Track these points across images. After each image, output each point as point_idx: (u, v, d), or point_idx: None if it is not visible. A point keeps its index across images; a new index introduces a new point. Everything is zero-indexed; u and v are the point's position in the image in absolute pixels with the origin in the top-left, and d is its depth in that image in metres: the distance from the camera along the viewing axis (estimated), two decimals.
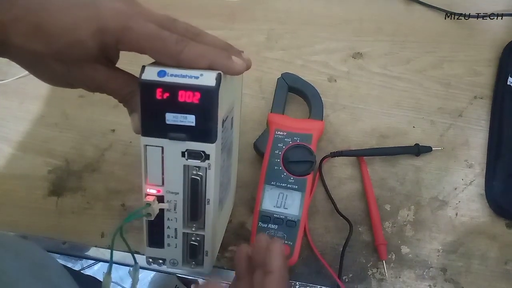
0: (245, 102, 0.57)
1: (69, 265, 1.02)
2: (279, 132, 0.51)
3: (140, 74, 0.31)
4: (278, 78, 0.53)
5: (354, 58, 0.59)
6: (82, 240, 0.52)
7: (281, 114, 0.53)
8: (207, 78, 0.31)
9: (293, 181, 0.49)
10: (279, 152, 0.50)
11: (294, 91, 0.54)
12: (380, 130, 0.55)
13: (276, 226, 0.48)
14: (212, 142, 0.32)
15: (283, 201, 0.49)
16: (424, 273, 0.50)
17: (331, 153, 0.53)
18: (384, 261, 0.49)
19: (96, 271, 1.07)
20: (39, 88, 0.60)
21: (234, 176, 0.49)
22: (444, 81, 0.58)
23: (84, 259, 0.96)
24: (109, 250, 0.50)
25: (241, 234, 0.51)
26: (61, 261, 0.87)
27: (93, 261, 0.99)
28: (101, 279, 0.37)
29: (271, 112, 0.52)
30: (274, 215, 0.48)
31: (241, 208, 0.52)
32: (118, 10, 0.31)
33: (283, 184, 0.49)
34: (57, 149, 0.57)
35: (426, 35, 0.60)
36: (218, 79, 0.31)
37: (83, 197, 0.54)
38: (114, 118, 0.58)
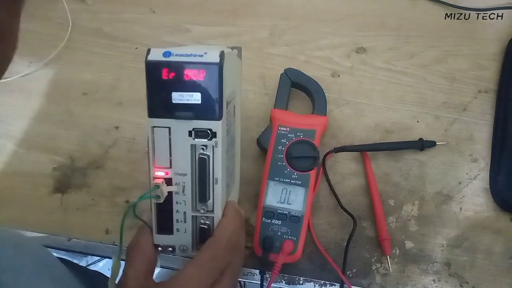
0: (248, 98, 0.57)
1: (75, 261, 1.02)
2: (282, 128, 0.51)
3: (146, 56, 0.32)
4: (281, 74, 0.53)
5: (358, 53, 0.59)
6: (87, 236, 0.53)
7: (284, 110, 0.52)
8: (211, 56, 0.32)
9: (296, 176, 0.49)
10: (282, 147, 0.50)
11: (297, 86, 0.54)
12: (384, 125, 0.55)
13: (280, 222, 0.48)
14: (218, 120, 0.33)
15: (287, 197, 0.49)
16: (428, 267, 0.50)
17: (334, 148, 0.52)
18: (388, 256, 0.49)
19: (102, 267, 1.07)
20: (43, 85, 0.60)
21: (238, 170, 0.48)
22: (449, 76, 0.57)
23: (89, 256, 0.96)
24: (114, 246, 0.50)
25: (245, 230, 0.51)
26: (67, 257, 0.88)
27: (98, 257, 0.99)
28: (107, 275, 0.37)
29: (274, 108, 0.52)
30: (278, 211, 0.48)
31: (245, 204, 0.52)
32: None
33: (287, 180, 0.49)
34: (61, 146, 0.57)
35: (430, 29, 0.60)
36: (222, 56, 0.32)
37: (88, 194, 0.54)
38: (118, 115, 0.58)
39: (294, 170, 0.49)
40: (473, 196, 0.52)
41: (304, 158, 0.49)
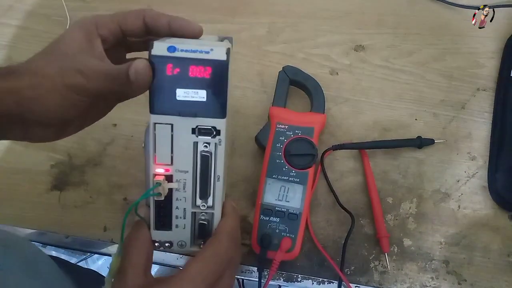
0: (246, 96, 0.57)
1: (74, 260, 1.02)
2: (280, 126, 0.51)
3: (149, 50, 0.31)
4: (279, 72, 0.53)
5: (356, 51, 0.59)
6: (85, 234, 0.53)
7: (283, 108, 0.52)
8: (218, 52, 0.31)
9: (294, 174, 0.49)
10: (280, 145, 0.50)
11: (295, 84, 0.54)
12: (382, 123, 0.55)
13: (278, 219, 0.48)
14: (223, 117, 0.32)
15: (285, 194, 0.49)
16: (427, 265, 0.50)
17: (333, 146, 0.52)
18: (386, 254, 0.49)
19: (100, 266, 1.07)
20: None
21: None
22: (447, 74, 0.57)
23: (88, 253, 0.96)
24: (112, 244, 0.50)
25: (243, 228, 0.51)
26: (65, 255, 0.88)
27: (96, 255, 0.99)
28: (105, 275, 0.37)
29: (272, 106, 0.52)
30: (276, 208, 0.48)
31: (243, 201, 0.52)
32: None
33: (285, 177, 0.49)
34: (59, 143, 0.57)
35: (428, 27, 0.60)
36: (228, 53, 0.31)
37: (86, 191, 0.54)
38: (115, 112, 0.57)
39: (292, 168, 0.49)
40: (471, 194, 0.52)
41: (302, 156, 0.49)
